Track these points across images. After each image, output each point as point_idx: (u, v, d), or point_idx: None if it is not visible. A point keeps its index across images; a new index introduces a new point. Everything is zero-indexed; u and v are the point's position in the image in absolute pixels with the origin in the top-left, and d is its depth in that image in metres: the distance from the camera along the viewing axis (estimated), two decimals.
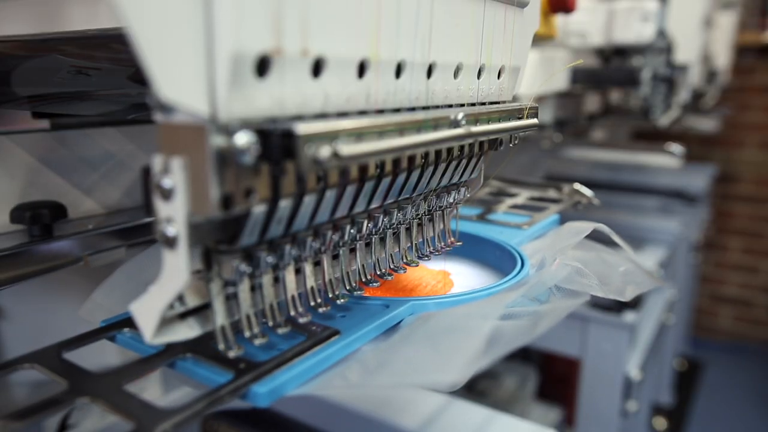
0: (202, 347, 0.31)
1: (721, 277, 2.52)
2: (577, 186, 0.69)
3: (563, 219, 0.58)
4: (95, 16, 0.49)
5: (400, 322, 0.37)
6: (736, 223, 2.46)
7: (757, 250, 2.44)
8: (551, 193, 0.70)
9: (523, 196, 0.69)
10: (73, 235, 0.48)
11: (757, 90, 2.31)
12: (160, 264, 0.27)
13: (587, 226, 0.48)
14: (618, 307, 1.01)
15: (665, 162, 1.88)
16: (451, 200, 0.42)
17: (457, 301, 0.39)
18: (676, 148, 1.81)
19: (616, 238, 0.49)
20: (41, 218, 0.46)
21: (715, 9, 1.67)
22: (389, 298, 0.38)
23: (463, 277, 0.49)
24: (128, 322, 0.35)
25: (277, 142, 0.23)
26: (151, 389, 0.70)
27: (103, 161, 0.55)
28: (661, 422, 1.71)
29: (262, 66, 0.24)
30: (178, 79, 0.22)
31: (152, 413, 0.26)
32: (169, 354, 0.31)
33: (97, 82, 0.35)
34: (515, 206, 0.64)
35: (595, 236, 0.48)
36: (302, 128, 0.23)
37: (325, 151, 0.24)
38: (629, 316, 1.00)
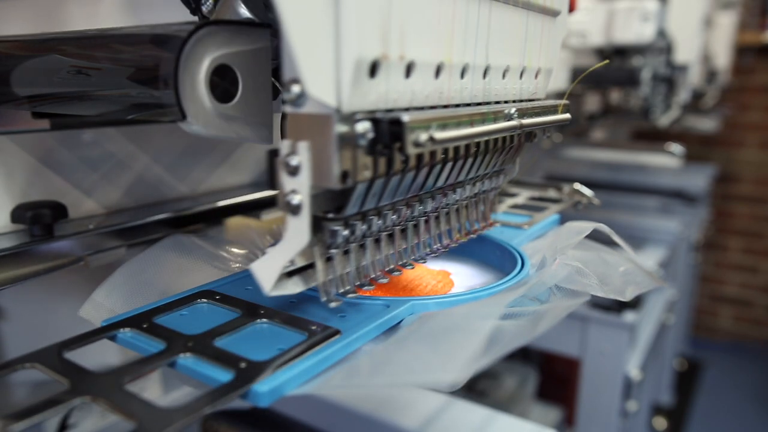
0: (203, 347, 0.31)
1: (721, 277, 2.52)
2: (577, 186, 0.69)
3: (563, 219, 0.58)
4: (95, 15, 0.49)
5: (400, 322, 0.37)
6: (736, 223, 2.46)
7: (757, 250, 2.44)
8: (551, 193, 0.70)
9: (523, 195, 0.69)
10: (74, 235, 0.48)
11: (757, 90, 2.32)
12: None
13: (587, 226, 0.48)
14: (618, 307, 1.01)
15: (665, 162, 1.88)
16: (494, 185, 0.48)
17: (457, 300, 0.39)
18: (676, 148, 1.81)
19: (616, 238, 0.49)
20: (42, 218, 0.46)
21: (715, 9, 1.67)
22: (389, 298, 0.38)
23: (463, 277, 0.49)
24: (128, 321, 0.35)
25: (387, 128, 0.29)
26: (151, 389, 0.70)
27: (103, 161, 0.55)
28: (661, 422, 1.71)
29: (373, 69, 0.29)
30: (319, 81, 0.28)
31: (154, 413, 0.26)
32: (169, 353, 0.31)
33: (97, 82, 0.34)
34: (515, 206, 0.64)
35: (595, 236, 0.48)
36: (408, 117, 0.29)
37: (423, 136, 0.29)
38: (629, 316, 1.00)
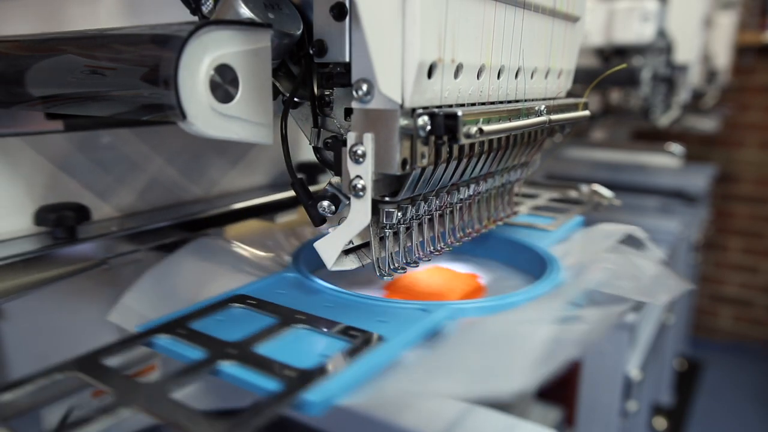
0: (245, 353, 0.31)
1: (721, 277, 2.52)
2: (596, 187, 0.68)
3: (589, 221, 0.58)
4: (95, 15, 0.49)
5: (439, 327, 0.36)
6: (736, 223, 2.46)
7: (757, 250, 2.44)
8: (571, 194, 0.69)
9: (543, 197, 0.69)
10: (96, 237, 0.47)
11: (757, 90, 2.31)
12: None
13: (620, 229, 0.48)
14: None
15: (665, 162, 1.88)
16: (518, 176, 0.52)
17: (495, 305, 0.38)
18: (676, 148, 1.81)
19: (647, 242, 0.48)
20: (66, 220, 0.46)
21: (715, 9, 1.67)
22: (427, 303, 0.38)
23: (491, 280, 0.48)
24: (164, 327, 0.34)
25: (443, 121, 0.33)
26: None
27: (118, 163, 0.54)
28: (661, 422, 1.71)
29: (430, 71, 0.34)
30: (388, 81, 0.32)
31: (206, 425, 0.25)
32: (211, 360, 0.30)
33: (112, 83, 0.34)
34: (537, 207, 0.64)
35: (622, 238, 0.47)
36: (461, 112, 0.33)
37: (473, 129, 0.33)
38: (629, 316, 1.00)
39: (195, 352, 0.31)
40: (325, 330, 0.34)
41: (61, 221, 0.46)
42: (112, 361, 0.30)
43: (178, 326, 0.34)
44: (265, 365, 0.29)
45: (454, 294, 0.44)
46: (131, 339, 0.33)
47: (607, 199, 0.67)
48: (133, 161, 0.55)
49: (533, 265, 0.48)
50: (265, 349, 0.32)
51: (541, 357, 0.28)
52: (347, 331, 0.33)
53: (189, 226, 0.55)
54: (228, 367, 0.30)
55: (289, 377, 0.28)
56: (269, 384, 0.28)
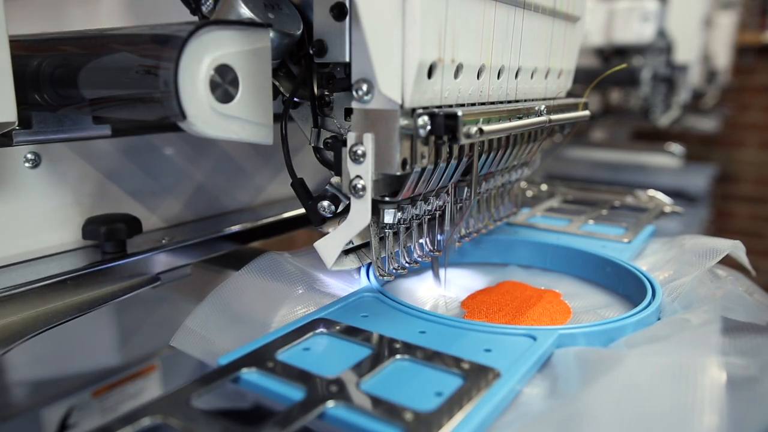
0: (350, 392, 0.28)
1: None
2: (652, 192, 0.68)
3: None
4: (96, 15, 0.49)
5: (548, 356, 0.34)
6: (736, 223, 2.46)
7: (757, 250, 2.44)
8: (629, 201, 0.68)
9: (604, 205, 0.67)
10: (149, 251, 0.44)
11: (757, 90, 2.31)
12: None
13: (721, 246, 0.46)
14: None
15: (665, 162, 1.88)
16: (518, 176, 0.52)
17: (607, 330, 0.36)
18: (676, 148, 1.81)
19: (745, 261, 0.47)
20: (117, 233, 0.43)
21: (715, 9, 1.67)
22: (531, 328, 0.35)
23: (574, 298, 0.46)
24: (250, 359, 0.31)
25: (443, 121, 0.33)
26: (151, 389, 0.70)
27: (164, 170, 0.51)
28: None
29: (430, 71, 0.34)
30: (388, 81, 0.32)
31: None
32: (314, 402, 0.27)
33: (111, 83, 0.34)
34: (601, 217, 0.63)
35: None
36: (461, 112, 0.33)
37: (473, 129, 0.33)
38: None
39: (291, 391, 0.28)
40: (429, 362, 0.31)
41: (113, 235, 0.43)
42: (201, 402, 0.27)
43: (264, 358, 0.31)
44: (376, 406, 0.26)
45: (538, 313, 0.42)
46: (216, 375, 0.29)
47: (669, 206, 0.66)
48: (179, 168, 0.52)
49: (614, 280, 0.46)
50: (369, 385, 0.29)
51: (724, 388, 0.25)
52: (457, 364, 0.30)
53: (238, 237, 0.52)
54: (336, 409, 0.26)
55: (409, 423, 0.25)
56: (386, 430, 0.25)
